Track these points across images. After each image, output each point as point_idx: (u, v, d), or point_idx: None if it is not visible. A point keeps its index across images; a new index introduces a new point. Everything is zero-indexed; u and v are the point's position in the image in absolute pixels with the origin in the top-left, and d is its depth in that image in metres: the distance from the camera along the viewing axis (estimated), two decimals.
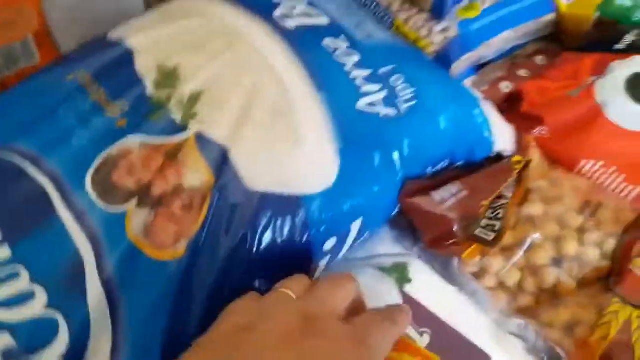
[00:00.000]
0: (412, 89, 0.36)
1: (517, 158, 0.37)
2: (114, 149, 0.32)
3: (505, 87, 0.49)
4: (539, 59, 0.53)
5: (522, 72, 0.51)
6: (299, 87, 0.33)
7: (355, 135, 0.33)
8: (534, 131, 0.42)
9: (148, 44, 0.36)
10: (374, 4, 0.45)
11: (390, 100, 0.35)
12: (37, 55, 0.40)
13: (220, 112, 0.32)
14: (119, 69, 0.35)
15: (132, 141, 0.32)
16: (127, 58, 0.35)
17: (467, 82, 0.47)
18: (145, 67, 0.34)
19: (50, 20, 0.40)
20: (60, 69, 0.36)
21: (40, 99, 0.35)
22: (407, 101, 0.35)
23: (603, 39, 0.47)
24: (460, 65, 0.45)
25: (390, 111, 0.34)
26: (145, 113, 0.33)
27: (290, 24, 0.36)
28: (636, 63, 0.43)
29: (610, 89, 0.41)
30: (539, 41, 0.53)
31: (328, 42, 0.36)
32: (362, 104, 0.34)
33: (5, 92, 0.36)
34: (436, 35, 0.44)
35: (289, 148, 0.31)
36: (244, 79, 0.33)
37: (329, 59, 0.35)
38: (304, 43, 0.35)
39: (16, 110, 0.35)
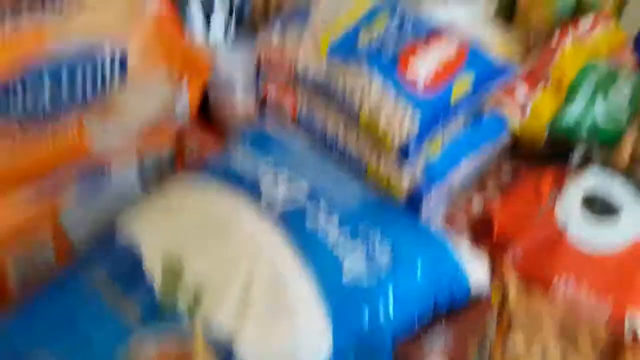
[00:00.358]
0: (389, 243, 0.40)
1: (494, 292, 0.41)
2: (131, 350, 0.35)
3: (477, 203, 0.54)
4: (505, 172, 0.58)
5: (490, 186, 0.56)
6: (290, 270, 0.37)
7: (344, 306, 0.37)
8: (507, 254, 0.46)
9: (152, 239, 0.40)
10: (347, 156, 0.51)
11: (370, 258, 0.39)
12: (54, 254, 0.45)
13: (222, 303, 0.36)
14: (129, 268, 0.39)
15: (148, 340, 0.35)
16: (135, 257, 0.39)
17: (441, 211, 0.52)
18: (152, 263, 0.39)
19: (66, 224, 0.45)
20: (75, 272, 0.41)
21: (59, 304, 0.39)
22: (385, 257, 0.40)
23: (557, 154, 0.52)
24: (431, 199, 0.49)
25: (372, 273, 0.38)
26: (155, 309, 0.37)
27: (278, 205, 0.41)
28: (588, 179, 0.47)
29: (568, 210, 0.46)
30: (502, 155, 0.58)
31: (310, 219, 0.41)
32: (346, 276, 0.38)
33: (28, 300, 0.41)
34: (405, 177, 0.49)
35: (287, 332, 0.35)
36: (240, 267, 0.37)
37: (314, 237, 0.39)
38: (291, 226, 0.39)
39: (40, 317, 0.39)
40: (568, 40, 0.61)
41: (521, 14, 0.71)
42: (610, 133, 0.53)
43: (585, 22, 0.63)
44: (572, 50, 0.61)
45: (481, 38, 0.70)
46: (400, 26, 0.53)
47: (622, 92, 0.56)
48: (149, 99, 0.46)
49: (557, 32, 0.62)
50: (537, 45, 0.70)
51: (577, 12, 0.68)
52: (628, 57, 0.63)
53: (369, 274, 0.38)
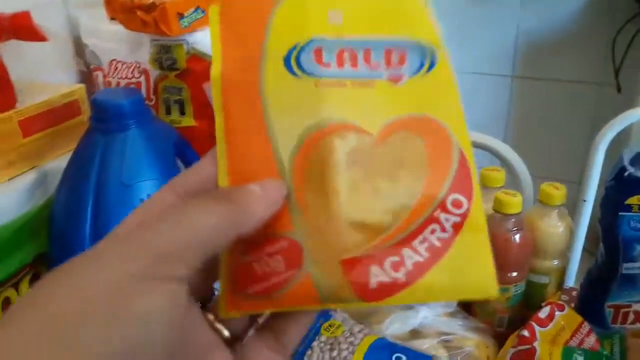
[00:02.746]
0: None
1: None
2: None
3: None
4: None
5: None
6: None
7: None
8: None
9: None
10: None
11: None
12: None
13: None
14: None
15: None
16: None
17: None
18: None
19: None
20: None
21: None
22: None
23: None
24: None
25: None
26: None
27: None
28: None
29: None
30: None
31: None
32: None
33: None
34: None
35: None
36: None
37: None
38: None
39: None
40: (537, 333, 0.65)
41: (478, 307, 0.76)
42: None
43: (544, 312, 0.68)
44: (544, 344, 0.64)
45: (456, 332, 0.73)
46: None
47: None
48: None
49: (524, 329, 0.66)
50: (500, 329, 0.74)
51: (525, 297, 0.75)
52: (589, 335, 0.68)
53: None
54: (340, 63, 0.32)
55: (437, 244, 0.29)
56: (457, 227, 0.29)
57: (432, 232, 0.29)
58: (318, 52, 0.32)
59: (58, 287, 0.22)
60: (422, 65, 0.33)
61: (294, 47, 0.32)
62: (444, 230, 0.29)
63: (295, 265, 0.28)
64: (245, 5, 0.33)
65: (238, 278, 0.28)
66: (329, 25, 0.33)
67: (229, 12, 0.33)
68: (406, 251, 0.28)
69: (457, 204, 0.29)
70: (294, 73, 0.31)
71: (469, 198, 0.30)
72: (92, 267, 0.23)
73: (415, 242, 0.29)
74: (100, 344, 0.21)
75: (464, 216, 0.29)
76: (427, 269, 0.28)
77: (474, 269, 0.29)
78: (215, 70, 0.31)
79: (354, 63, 0.32)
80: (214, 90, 0.31)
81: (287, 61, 0.32)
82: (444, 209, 0.29)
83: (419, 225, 0.29)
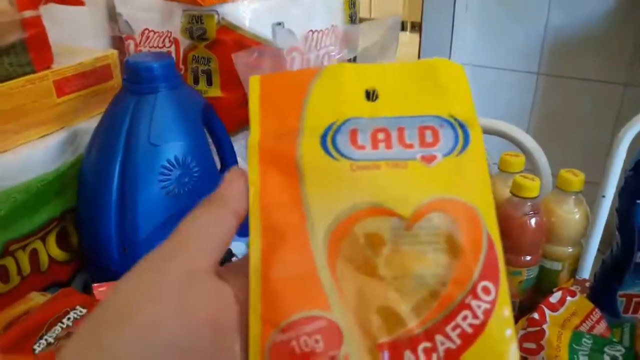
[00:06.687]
0: None
1: None
2: None
3: None
4: None
5: None
6: None
7: None
8: None
9: None
10: None
11: None
12: None
13: None
14: None
15: None
16: None
17: None
18: None
19: None
20: None
21: None
22: None
23: None
24: None
25: None
26: None
27: None
28: None
29: None
30: None
31: None
32: None
33: None
34: None
35: None
36: None
37: None
38: None
39: None
40: (547, 317, 0.66)
41: None
42: None
43: (556, 297, 0.68)
44: (553, 327, 0.65)
45: None
46: None
47: None
48: None
49: (534, 312, 0.67)
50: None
51: (537, 283, 0.75)
52: (599, 322, 0.68)
53: None
54: (375, 145, 0.32)
55: (469, 330, 0.28)
56: (488, 314, 0.29)
57: (464, 318, 0.28)
58: (353, 134, 0.32)
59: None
60: (456, 144, 0.32)
61: (330, 127, 0.32)
62: (475, 317, 0.28)
63: (335, 346, 0.27)
64: (284, 77, 0.33)
65: (276, 357, 0.27)
66: (366, 103, 0.33)
67: (270, 82, 0.33)
68: (439, 337, 0.28)
69: (486, 291, 0.29)
70: (330, 153, 0.31)
71: (497, 284, 0.29)
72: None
73: (448, 328, 0.28)
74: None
75: (493, 302, 0.29)
76: (458, 355, 0.28)
77: (502, 354, 0.28)
78: (254, 137, 0.32)
79: (389, 144, 0.32)
80: (250, 158, 0.31)
81: (323, 140, 0.31)
82: (475, 296, 0.29)
83: (451, 311, 0.28)
